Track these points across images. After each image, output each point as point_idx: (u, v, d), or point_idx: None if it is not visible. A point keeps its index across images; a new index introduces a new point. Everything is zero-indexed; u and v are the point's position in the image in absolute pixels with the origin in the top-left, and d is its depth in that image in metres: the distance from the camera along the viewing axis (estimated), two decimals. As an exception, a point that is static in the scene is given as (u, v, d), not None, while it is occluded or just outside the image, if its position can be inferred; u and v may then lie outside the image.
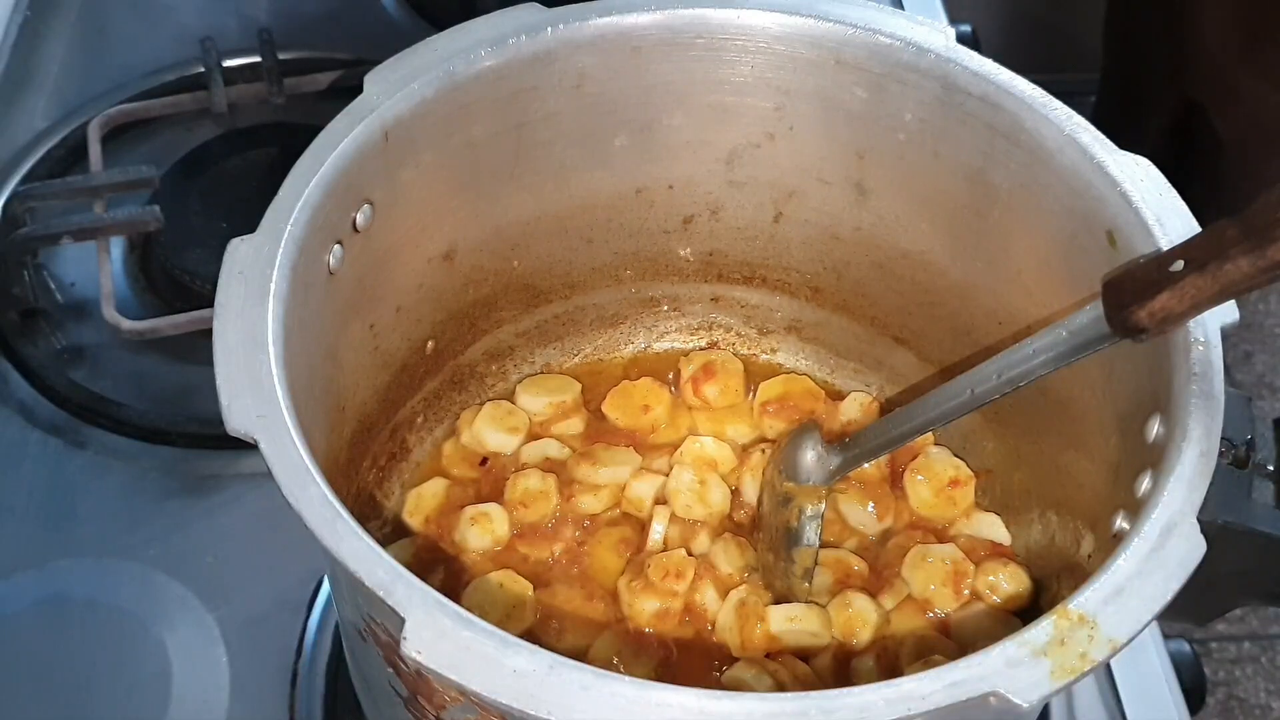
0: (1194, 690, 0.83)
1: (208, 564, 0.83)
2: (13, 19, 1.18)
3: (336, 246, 0.63)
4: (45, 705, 0.78)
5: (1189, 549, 0.50)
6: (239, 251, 0.58)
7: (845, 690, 0.46)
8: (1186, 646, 0.85)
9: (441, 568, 0.73)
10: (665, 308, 0.84)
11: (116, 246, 1.01)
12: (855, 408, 0.80)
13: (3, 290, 0.97)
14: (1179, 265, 0.53)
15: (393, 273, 0.70)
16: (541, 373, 0.83)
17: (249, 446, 0.52)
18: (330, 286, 0.63)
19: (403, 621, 0.47)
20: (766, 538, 0.73)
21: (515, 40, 0.67)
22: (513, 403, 0.80)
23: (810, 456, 0.72)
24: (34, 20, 1.19)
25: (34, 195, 1.00)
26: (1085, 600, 0.49)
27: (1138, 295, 0.54)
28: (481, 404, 0.79)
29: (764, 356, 0.85)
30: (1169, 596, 0.49)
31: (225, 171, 1.05)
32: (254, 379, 0.53)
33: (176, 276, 0.99)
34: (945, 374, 0.78)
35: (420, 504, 0.75)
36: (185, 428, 0.90)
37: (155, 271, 1.01)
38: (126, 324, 0.92)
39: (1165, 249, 0.59)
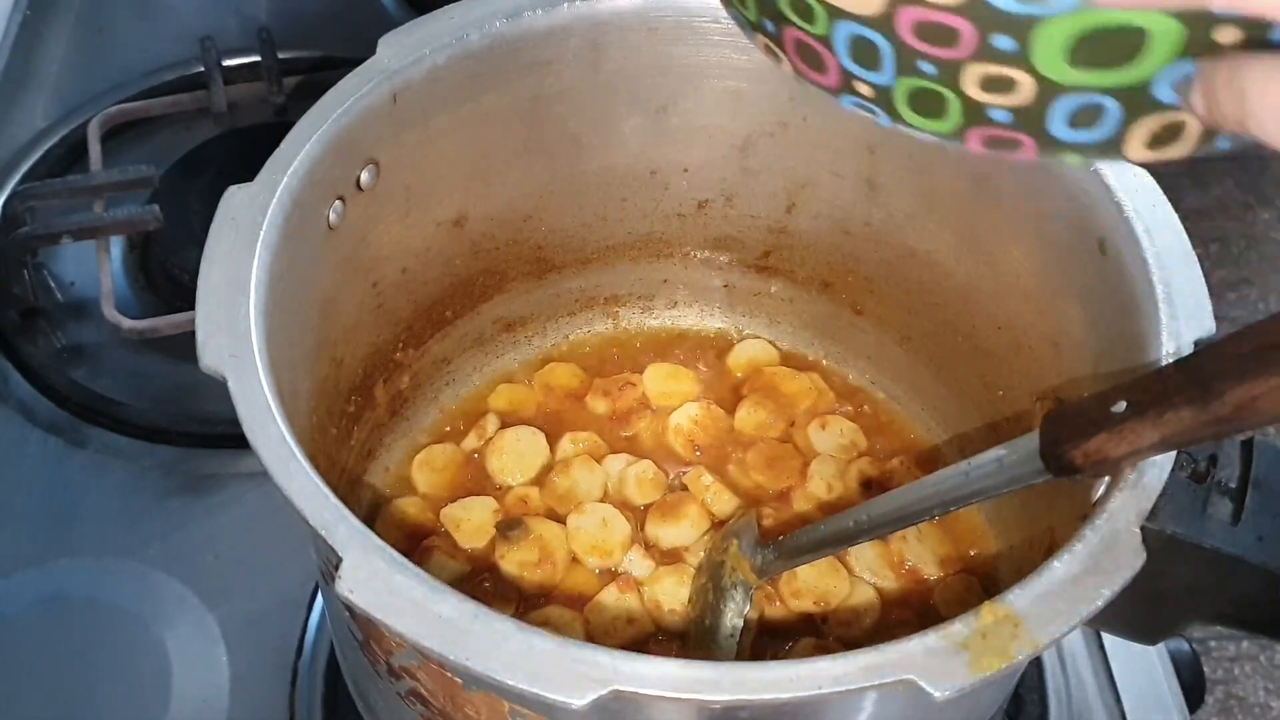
0: (1193, 689, 0.81)
1: (208, 563, 0.83)
2: (13, 19, 1.17)
3: (337, 202, 0.65)
4: (45, 705, 0.78)
5: (1128, 558, 0.50)
6: (234, 198, 0.59)
7: (759, 664, 0.46)
8: (1186, 645, 0.83)
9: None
10: (678, 290, 0.85)
11: (116, 246, 1.00)
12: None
13: (3, 290, 0.96)
14: (1121, 406, 0.50)
15: (399, 234, 0.71)
16: (552, 347, 0.85)
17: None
18: (330, 241, 0.65)
19: (340, 561, 0.48)
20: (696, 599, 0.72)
21: (531, 13, 0.68)
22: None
23: (745, 548, 0.70)
24: (34, 20, 1.19)
25: (34, 195, 0.99)
26: (1015, 598, 0.48)
27: (1075, 434, 0.52)
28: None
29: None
30: (1100, 602, 0.48)
31: (225, 171, 1.01)
32: (231, 320, 0.55)
33: (176, 276, 0.98)
34: (945, 377, 0.78)
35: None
36: (185, 427, 0.90)
37: (155, 271, 1.00)
38: (126, 323, 0.91)
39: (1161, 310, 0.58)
